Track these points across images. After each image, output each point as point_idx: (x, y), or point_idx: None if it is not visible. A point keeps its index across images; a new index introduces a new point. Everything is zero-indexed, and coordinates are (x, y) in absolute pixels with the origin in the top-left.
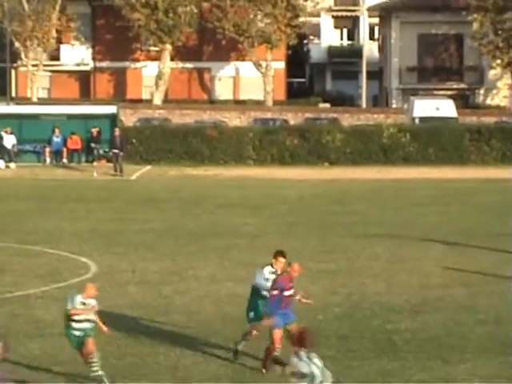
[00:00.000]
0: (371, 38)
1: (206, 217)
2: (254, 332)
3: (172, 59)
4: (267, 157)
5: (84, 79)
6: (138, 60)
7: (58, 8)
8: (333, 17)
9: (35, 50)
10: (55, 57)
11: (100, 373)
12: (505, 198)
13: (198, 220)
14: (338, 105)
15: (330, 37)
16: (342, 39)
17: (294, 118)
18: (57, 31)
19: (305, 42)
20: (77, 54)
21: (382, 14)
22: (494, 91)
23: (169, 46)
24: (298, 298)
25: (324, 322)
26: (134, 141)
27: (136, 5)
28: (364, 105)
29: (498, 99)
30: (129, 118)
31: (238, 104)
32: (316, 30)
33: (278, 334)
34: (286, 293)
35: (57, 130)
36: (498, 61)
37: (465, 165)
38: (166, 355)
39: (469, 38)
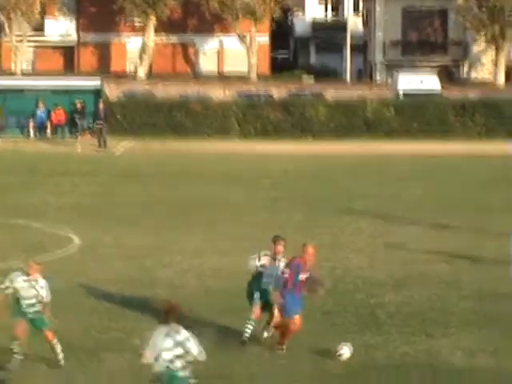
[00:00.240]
0: (355, 11)
1: (190, 191)
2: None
3: (156, 32)
4: (251, 131)
5: (68, 52)
6: (122, 33)
7: None
8: None
9: (19, 22)
10: (39, 30)
11: (15, 359)
12: (489, 171)
13: (181, 194)
14: (322, 78)
15: (314, 10)
16: (326, 13)
17: (278, 91)
18: (41, 3)
19: (289, 15)
20: (61, 27)
21: None
22: (478, 66)
23: (153, 19)
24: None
25: (308, 296)
26: (117, 115)
27: None
28: (348, 79)
29: (482, 74)
30: (113, 92)
31: (222, 78)
32: (300, 4)
33: (291, 320)
34: (302, 276)
35: (41, 104)
36: (482, 35)
37: (449, 139)
38: (150, 330)
39: (453, 13)
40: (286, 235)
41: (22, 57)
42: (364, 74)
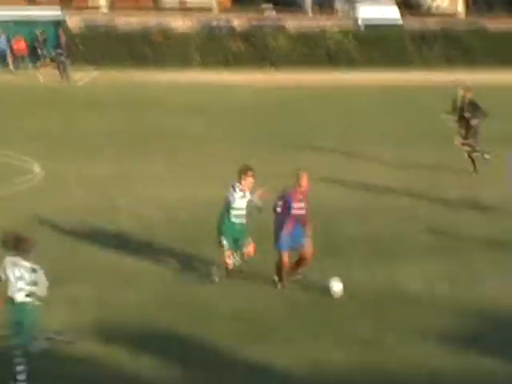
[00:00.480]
0: None
1: (152, 121)
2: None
3: None
4: (212, 61)
5: None
6: None
7: None
8: None
9: None
10: None
11: None
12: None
13: (143, 124)
14: (282, 9)
15: None
16: None
17: (239, 22)
18: None
19: None
20: None
21: None
22: None
23: None
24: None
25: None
26: (79, 45)
27: None
28: (309, 9)
29: (442, 4)
30: (74, 23)
31: (184, 9)
32: None
33: (284, 256)
34: (295, 208)
35: (1, 33)
36: None
37: (408, 69)
38: (110, 257)
39: None
40: (248, 162)
41: None
42: (325, 5)
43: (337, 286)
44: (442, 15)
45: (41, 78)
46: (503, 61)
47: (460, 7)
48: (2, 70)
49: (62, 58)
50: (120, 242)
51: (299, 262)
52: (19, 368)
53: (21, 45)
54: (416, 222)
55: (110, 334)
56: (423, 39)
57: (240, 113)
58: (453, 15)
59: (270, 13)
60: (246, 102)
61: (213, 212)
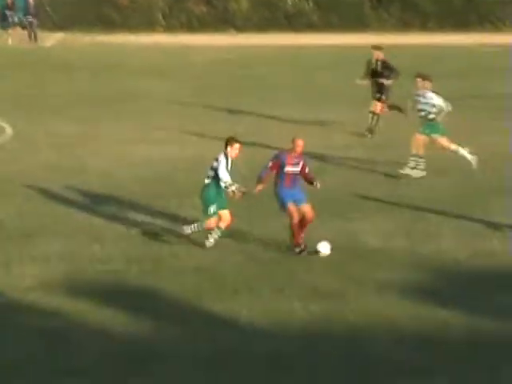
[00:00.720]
0: None
1: (119, 83)
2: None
3: None
4: (176, 24)
5: None
6: None
7: None
8: None
9: None
10: None
11: None
12: (404, 62)
13: (110, 86)
14: None
15: None
16: None
17: None
18: None
19: None
20: None
21: None
22: None
23: None
24: (316, 184)
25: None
26: (47, 8)
27: None
28: None
29: None
30: None
31: None
32: None
33: (290, 207)
34: (288, 168)
35: None
36: None
37: (365, 32)
38: (79, 214)
39: None
40: (211, 123)
41: None
42: None
43: (325, 249)
44: None
45: (9, 41)
46: (458, 24)
47: None
48: None
49: (31, 20)
50: (89, 200)
51: (301, 224)
52: None
53: None
54: (372, 174)
55: (78, 288)
56: (379, 2)
57: (203, 74)
58: None
59: None
60: (208, 63)
61: (178, 170)
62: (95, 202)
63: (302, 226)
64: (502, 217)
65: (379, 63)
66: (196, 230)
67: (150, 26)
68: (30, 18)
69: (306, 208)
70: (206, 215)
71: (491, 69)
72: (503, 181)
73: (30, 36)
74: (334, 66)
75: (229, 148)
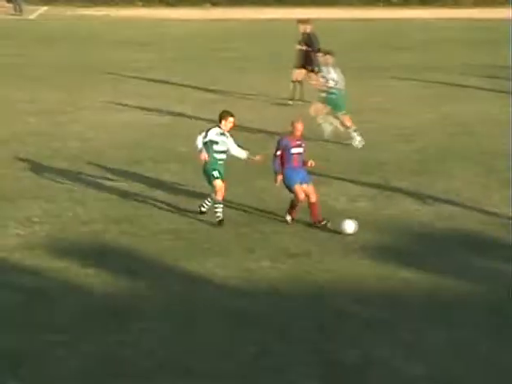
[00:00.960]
0: None
1: (98, 54)
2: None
3: None
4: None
5: None
6: None
7: None
8: None
9: None
10: None
11: None
12: (368, 36)
13: (90, 56)
14: None
15: None
16: None
17: None
18: None
19: None
20: None
21: None
22: None
23: None
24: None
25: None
26: None
27: None
28: None
29: None
30: None
31: None
32: None
33: (296, 187)
34: (293, 150)
35: None
36: None
37: (334, 6)
38: (59, 178)
39: None
40: (188, 91)
41: None
42: None
43: (350, 228)
44: None
45: None
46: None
47: None
48: None
49: None
50: (69, 164)
51: (309, 207)
52: None
53: None
54: (338, 138)
55: (60, 248)
56: None
57: (180, 45)
58: None
59: None
60: (185, 35)
61: (154, 135)
62: (75, 167)
63: (309, 207)
64: (462, 182)
65: (305, 36)
66: (211, 204)
67: (129, 1)
68: None
69: (310, 189)
70: (213, 185)
71: (451, 41)
72: (464, 147)
73: (15, 9)
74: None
75: (223, 122)
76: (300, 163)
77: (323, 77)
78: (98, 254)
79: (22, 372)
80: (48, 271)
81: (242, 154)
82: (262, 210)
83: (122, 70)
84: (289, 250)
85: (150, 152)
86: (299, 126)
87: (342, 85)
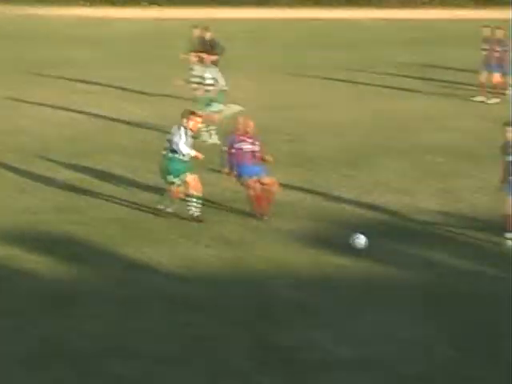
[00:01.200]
0: None
1: (44, 51)
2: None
3: None
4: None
5: None
6: None
7: None
8: None
9: None
10: None
11: None
12: (301, 35)
13: (36, 54)
14: None
15: None
16: None
17: None
18: None
19: None
20: None
21: None
22: None
23: None
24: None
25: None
26: None
27: None
28: None
29: None
30: None
31: None
32: None
33: (250, 181)
34: (241, 146)
35: None
36: None
37: (265, 7)
38: (10, 170)
39: None
40: (125, 84)
41: None
42: None
43: (360, 244)
44: None
45: None
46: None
47: None
48: None
49: None
50: (18, 157)
51: (266, 197)
52: None
53: None
54: (279, 134)
55: (11, 237)
56: None
57: (121, 41)
58: None
59: None
60: (125, 33)
61: (98, 129)
62: (24, 160)
63: (267, 198)
64: (392, 174)
65: (206, 40)
66: (165, 202)
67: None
68: None
69: (268, 180)
70: (167, 183)
71: (377, 40)
72: (395, 141)
73: None
74: (248, 38)
75: (185, 120)
76: (252, 160)
77: (197, 76)
78: (48, 242)
79: None
80: None
81: (186, 150)
82: (206, 201)
83: (67, 67)
84: (230, 238)
85: (95, 144)
86: (249, 124)
87: (219, 83)
